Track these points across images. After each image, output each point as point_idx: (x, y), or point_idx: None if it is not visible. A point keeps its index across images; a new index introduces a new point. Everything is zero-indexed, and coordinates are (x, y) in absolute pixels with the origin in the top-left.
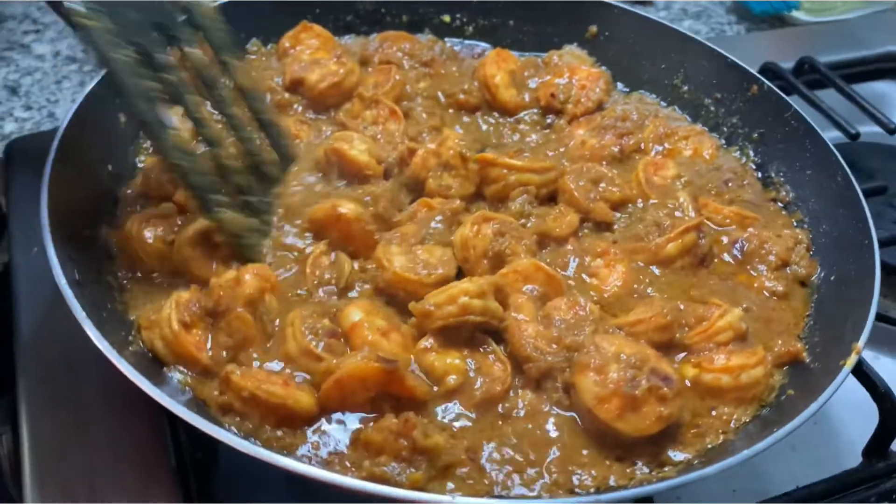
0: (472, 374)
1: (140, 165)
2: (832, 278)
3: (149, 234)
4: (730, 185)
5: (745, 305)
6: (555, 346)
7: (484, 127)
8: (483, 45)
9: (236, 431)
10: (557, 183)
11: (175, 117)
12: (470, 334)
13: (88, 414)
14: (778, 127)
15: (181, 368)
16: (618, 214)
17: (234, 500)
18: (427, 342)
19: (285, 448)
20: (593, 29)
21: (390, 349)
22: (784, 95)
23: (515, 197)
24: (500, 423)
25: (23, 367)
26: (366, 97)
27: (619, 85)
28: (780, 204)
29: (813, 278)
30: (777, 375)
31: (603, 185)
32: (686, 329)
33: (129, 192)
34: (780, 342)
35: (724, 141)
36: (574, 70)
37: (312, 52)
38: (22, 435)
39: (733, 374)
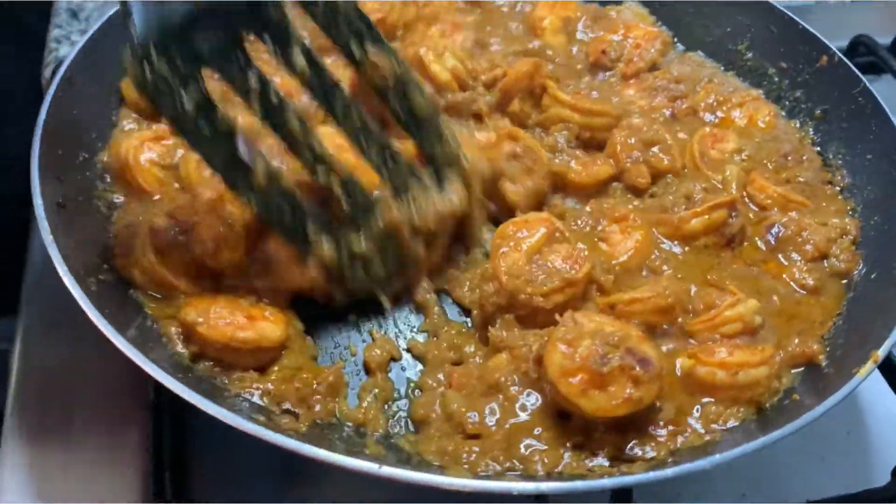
0: None
1: None
2: (872, 276)
3: (144, 160)
4: (789, 158)
5: (772, 297)
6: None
7: None
8: None
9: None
10: (608, 131)
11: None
12: None
13: (80, 347)
14: (843, 104)
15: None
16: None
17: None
18: None
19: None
20: None
21: None
22: (855, 69)
23: (555, 131)
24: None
25: (27, 293)
26: (426, 14)
27: (680, 46)
28: (837, 188)
29: (853, 274)
30: (786, 378)
31: (656, 149)
32: (691, 315)
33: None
34: (796, 341)
35: (783, 113)
36: (630, 27)
37: None
38: (13, 353)
39: (730, 371)
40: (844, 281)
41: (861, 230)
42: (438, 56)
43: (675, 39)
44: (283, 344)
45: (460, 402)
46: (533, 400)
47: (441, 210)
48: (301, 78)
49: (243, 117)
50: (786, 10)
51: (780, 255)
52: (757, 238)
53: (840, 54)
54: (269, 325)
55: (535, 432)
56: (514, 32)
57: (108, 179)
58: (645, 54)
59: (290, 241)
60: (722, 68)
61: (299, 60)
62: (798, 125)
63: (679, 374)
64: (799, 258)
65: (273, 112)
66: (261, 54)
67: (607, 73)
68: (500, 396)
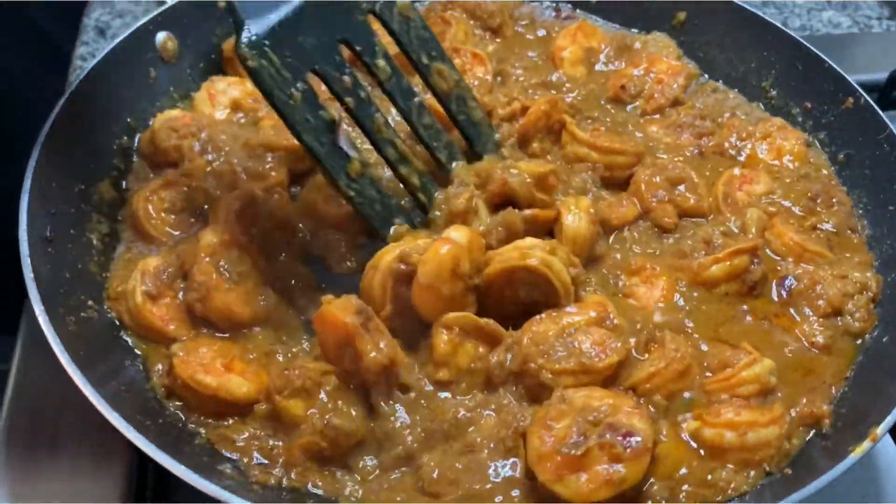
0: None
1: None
2: (885, 339)
3: (153, 211)
4: (818, 201)
5: (784, 352)
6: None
7: None
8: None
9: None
10: (628, 169)
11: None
12: None
13: None
14: (867, 149)
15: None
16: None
17: None
18: None
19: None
20: (681, 16)
21: None
22: (881, 113)
23: (578, 171)
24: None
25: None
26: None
27: (704, 76)
28: (864, 237)
29: (867, 336)
30: (796, 438)
31: (682, 188)
32: (708, 374)
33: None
34: (804, 400)
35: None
36: (654, 61)
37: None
38: (10, 373)
39: (739, 431)
40: (858, 341)
41: (882, 287)
42: None
43: (701, 71)
44: (251, 402)
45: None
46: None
47: None
48: (383, 82)
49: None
50: (811, 47)
51: (791, 309)
52: (771, 290)
53: (867, 97)
54: (238, 379)
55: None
56: (536, 61)
57: (105, 211)
58: (667, 90)
59: (373, 224)
60: (743, 97)
61: (382, 65)
62: (826, 158)
63: (687, 438)
64: (811, 313)
65: (361, 108)
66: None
67: (631, 107)
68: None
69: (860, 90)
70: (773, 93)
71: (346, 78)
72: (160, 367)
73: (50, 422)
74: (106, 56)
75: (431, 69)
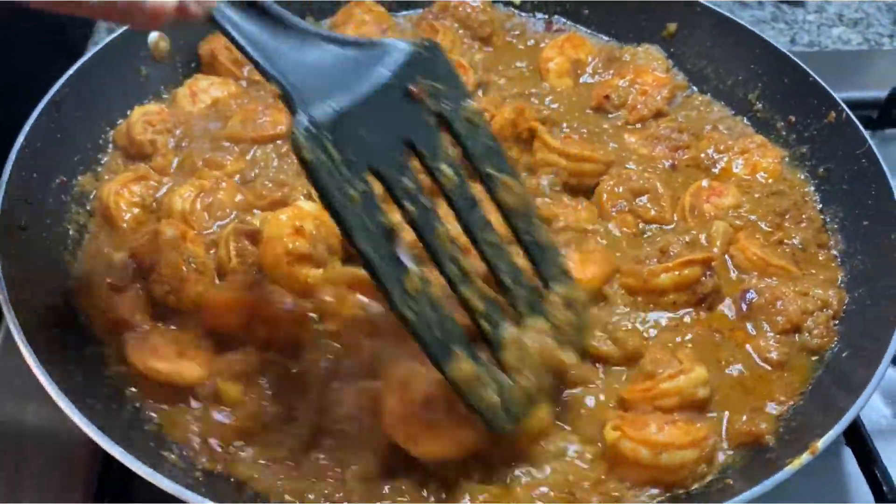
0: None
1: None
2: (845, 355)
3: (124, 205)
4: (787, 217)
5: (731, 369)
6: None
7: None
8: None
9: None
10: (597, 177)
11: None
12: None
13: None
14: (847, 164)
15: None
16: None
17: None
18: None
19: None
20: (672, 27)
21: None
22: (861, 128)
23: (542, 175)
24: None
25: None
26: None
27: (693, 88)
28: (833, 252)
29: (826, 352)
30: (723, 460)
31: (644, 199)
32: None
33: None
34: (744, 418)
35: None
36: (641, 72)
37: (358, 28)
38: None
39: (655, 450)
40: (815, 357)
41: (845, 305)
42: None
43: (690, 83)
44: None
45: None
46: None
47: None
48: (447, 191)
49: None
50: (798, 61)
51: (749, 324)
52: (730, 303)
53: (848, 111)
54: (190, 364)
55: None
56: (523, 71)
57: (86, 205)
58: (650, 102)
59: (430, 352)
60: (732, 111)
61: (448, 172)
62: (803, 177)
63: (600, 446)
64: (769, 329)
65: (423, 217)
66: None
67: (612, 117)
68: None
69: (843, 105)
70: (759, 105)
71: (409, 182)
72: (116, 354)
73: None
74: (97, 53)
75: (496, 181)
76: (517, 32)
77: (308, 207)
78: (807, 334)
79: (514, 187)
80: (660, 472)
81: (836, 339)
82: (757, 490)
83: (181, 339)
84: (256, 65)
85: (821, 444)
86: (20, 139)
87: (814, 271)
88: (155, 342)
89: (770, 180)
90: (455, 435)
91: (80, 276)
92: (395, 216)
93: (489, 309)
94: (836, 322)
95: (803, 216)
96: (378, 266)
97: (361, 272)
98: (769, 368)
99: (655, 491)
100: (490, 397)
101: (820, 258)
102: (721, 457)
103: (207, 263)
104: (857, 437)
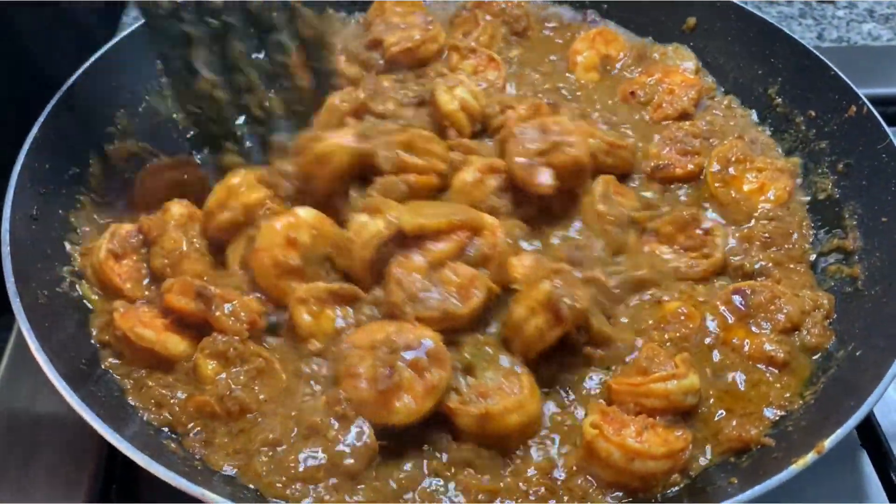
0: None
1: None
2: (858, 353)
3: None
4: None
5: (727, 375)
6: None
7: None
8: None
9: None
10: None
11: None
12: None
13: None
14: (867, 159)
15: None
16: None
17: None
18: None
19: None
20: (692, 21)
21: None
22: (883, 122)
23: None
24: None
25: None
26: (461, 47)
27: (720, 89)
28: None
29: (829, 349)
30: (710, 462)
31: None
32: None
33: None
34: (734, 423)
35: (803, 169)
36: (670, 72)
37: (402, 17)
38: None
39: (627, 456)
40: (816, 356)
41: (835, 305)
42: (450, 88)
43: (718, 84)
44: (181, 360)
45: None
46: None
47: None
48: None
49: None
50: (819, 55)
51: (749, 322)
52: (722, 307)
53: (869, 105)
54: (176, 338)
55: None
56: (555, 63)
57: (96, 192)
58: (677, 102)
59: (205, 144)
60: (755, 116)
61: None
62: (810, 195)
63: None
64: (769, 328)
65: (225, 30)
66: None
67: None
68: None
69: (864, 98)
70: (779, 100)
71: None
72: (105, 324)
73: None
74: (114, 45)
75: (298, 11)
76: (554, 25)
77: (305, 216)
78: (805, 333)
79: (311, 19)
80: (628, 477)
81: (832, 338)
82: (759, 489)
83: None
84: None
85: (827, 443)
86: (34, 129)
87: (795, 279)
88: (144, 312)
89: (773, 206)
90: (421, 388)
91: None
92: None
93: (269, 118)
94: (830, 322)
95: (786, 245)
96: (172, 66)
97: (336, 286)
98: (773, 371)
99: (619, 494)
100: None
101: (801, 270)
102: (702, 461)
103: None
104: (872, 439)
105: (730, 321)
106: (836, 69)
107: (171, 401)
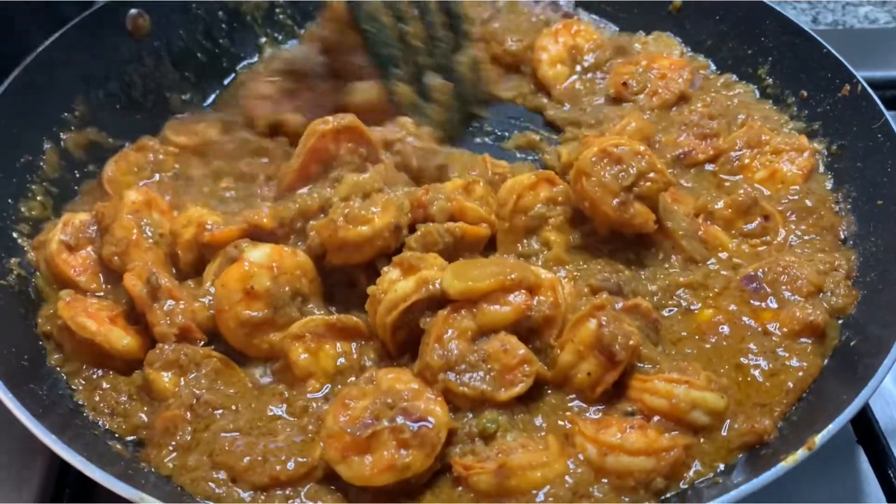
0: None
1: None
2: (853, 343)
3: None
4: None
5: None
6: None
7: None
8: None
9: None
10: None
11: None
12: None
13: None
14: (862, 140)
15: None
16: None
17: None
18: None
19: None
20: (678, 2)
21: None
22: (878, 101)
23: None
24: None
25: None
26: None
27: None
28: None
29: (839, 339)
30: (699, 471)
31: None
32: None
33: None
34: (741, 418)
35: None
36: (655, 58)
37: None
38: None
39: (601, 450)
40: (840, 321)
41: (856, 263)
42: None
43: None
44: (126, 359)
45: None
46: None
47: None
48: None
49: None
50: (812, 33)
51: (771, 299)
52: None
53: (864, 83)
54: (119, 332)
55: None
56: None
57: (49, 181)
58: (672, 85)
59: (380, 64)
60: (756, 91)
61: None
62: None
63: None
64: (795, 296)
65: None
66: None
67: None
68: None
69: (858, 76)
70: (770, 80)
71: None
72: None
73: None
74: (74, 25)
75: None
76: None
77: (257, 258)
78: (829, 294)
79: None
80: (606, 475)
81: (858, 297)
82: (749, 487)
83: (116, 309)
84: None
85: (818, 439)
86: None
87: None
88: (90, 303)
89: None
90: (387, 460)
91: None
92: None
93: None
94: (851, 282)
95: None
96: None
97: (334, 318)
98: (785, 361)
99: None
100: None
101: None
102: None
103: (166, 238)
104: (869, 436)
105: (759, 306)
106: (828, 47)
107: (123, 406)
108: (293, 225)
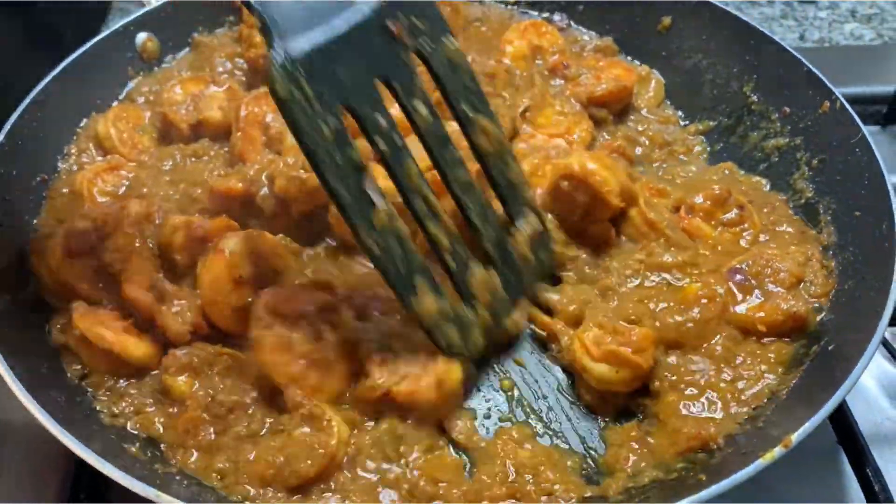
0: None
1: None
2: (830, 348)
3: (97, 191)
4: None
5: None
6: None
7: None
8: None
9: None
10: None
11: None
12: None
13: None
14: (840, 154)
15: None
16: None
17: None
18: None
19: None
20: (667, 20)
21: None
22: (856, 117)
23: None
24: None
25: None
26: None
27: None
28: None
29: (804, 345)
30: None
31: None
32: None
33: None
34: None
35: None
36: (614, 65)
37: None
38: None
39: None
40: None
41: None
42: None
43: (681, 77)
44: (141, 367)
45: None
46: None
47: None
48: (419, 128)
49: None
50: (794, 52)
51: (757, 292)
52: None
53: (843, 99)
54: (134, 341)
55: None
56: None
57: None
58: (594, 85)
59: (394, 286)
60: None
61: (422, 110)
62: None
63: None
64: (778, 288)
65: (394, 154)
66: None
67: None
68: None
69: (837, 93)
70: (754, 98)
71: (381, 119)
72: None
73: None
74: (83, 53)
75: (474, 123)
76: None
77: (235, 246)
78: (809, 283)
79: (489, 129)
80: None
81: (836, 282)
82: (726, 483)
83: (125, 319)
84: None
85: (795, 437)
86: (0, 136)
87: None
88: (103, 313)
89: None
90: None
91: (40, 236)
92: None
93: (456, 246)
94: (828, 273)
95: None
96: (346, 201)
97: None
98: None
99: None
100: (450, 332)
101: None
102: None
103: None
104: (849, 437)
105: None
106: (809, 65)
107: (145, 410)
108: (260, 183)
